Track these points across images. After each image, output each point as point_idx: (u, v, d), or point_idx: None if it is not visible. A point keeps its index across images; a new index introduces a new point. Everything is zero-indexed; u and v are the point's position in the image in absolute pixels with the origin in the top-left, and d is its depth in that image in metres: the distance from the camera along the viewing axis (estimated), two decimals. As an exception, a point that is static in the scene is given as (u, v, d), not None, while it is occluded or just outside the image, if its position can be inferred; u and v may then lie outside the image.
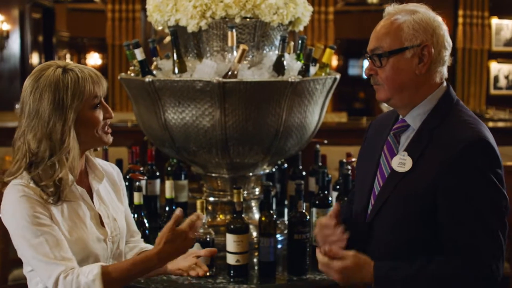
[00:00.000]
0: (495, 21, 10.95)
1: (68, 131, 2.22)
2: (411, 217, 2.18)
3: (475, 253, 2.08)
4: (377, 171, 2.35)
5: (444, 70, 2.28)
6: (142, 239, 2.71)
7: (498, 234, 2.09)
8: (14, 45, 10.75)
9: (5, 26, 10.57)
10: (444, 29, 2.25)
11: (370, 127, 2.59)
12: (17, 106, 7.87)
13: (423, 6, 2.27)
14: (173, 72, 3.41)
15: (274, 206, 3.96)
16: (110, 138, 2.38)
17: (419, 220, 2.17)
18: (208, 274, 3.02)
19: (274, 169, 4.14)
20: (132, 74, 3.57)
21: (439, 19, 2.25)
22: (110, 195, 2.51)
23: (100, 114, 2.32)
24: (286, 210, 4.17)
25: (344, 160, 3.74)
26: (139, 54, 3.43)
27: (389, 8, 2.30)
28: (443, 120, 2.21)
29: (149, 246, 2.65)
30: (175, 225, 2.26)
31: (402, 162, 2.23)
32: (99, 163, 2.53)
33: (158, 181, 4.04)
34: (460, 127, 2.17)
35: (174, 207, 3.25)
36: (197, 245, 3.05)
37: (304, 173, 4.17)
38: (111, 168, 2.59)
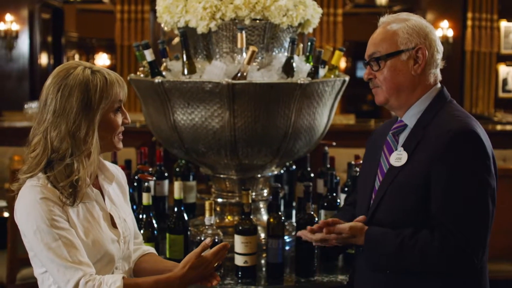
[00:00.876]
0: (504, 24, 10.93)
1: (92, 132, 2.23)
2: (408, 206, 2.34)
3: (457, 235, 2.22)
4: (377, 170, 2.51)
5: (438, 72, 2.48)
6: (143, 241, 2.70)
7: (480, 221, 2.24)
8: (23, 45, 10.79)
9: (15, 26, 10.61)
10: (436, 34, 2.45)
11: (372, 136, 2.74)
12: (26, 106, 7.90)
13: (415, 15, 2.47)
14: (183, 73, 3.42)
15: (282, 208, 3.96)
16: (121, 145, 2.40)
17: (415, 209, 2.33)
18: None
19: (282, 171, 4.15)
20: (142, 75, 3.58)
21: (430, 25, 2.46)
22: (118, 196, 2.52)
23: (120, 119, 2.34)
24: (294, 212, 4.17)
25: (353, 162, 3.73)
26: (149, 55, 3.44)
27: (383, 18, 2.52)
28: (434, 117, 2.39)
29: (151, 249, 2.65)
30: (201, 252, 2.30)
31: (398, 157, 2.41)
32: (107, 163, 2.53)
33: (166, 182, 4.05)
34: (449, 120, 2.34)
35: (182, 208, 3.25)
36: (205, 246, 3.05)
37: (312, 175, 4.17)
38: (116, 170, 2.59)
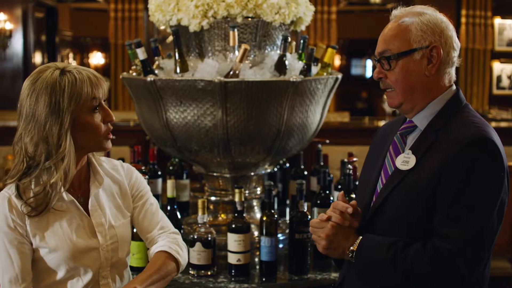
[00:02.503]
0: (498, 21, 10.94)
1: (64, 135, 2.18)
2: (411, 213, 2.17)
3: (454, 249, 2.06)
4: (381, 171, 2.36)
5: (453, 72, 2.29)
6: (173, 233, 2.53)
7: (482, 236, 2.08)
8: (17, 44, 10.76)
9: (8, 25, 10.58)
10: (452, 30, 2.24)
11: (378, 133, 2.59)
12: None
13: (430, 8, 2.27)
14: (175, 72, 3.41)
15: (275, 206, 3.96)
16: (109, 144, 2.33)
17: (418, 218, 2.16)
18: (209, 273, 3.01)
19: (275, 169, 4.14)
20: (134, 74, 3.57)
21: (446, 20, 2.25)
22: (116, 199, 2.44)
23: (99, 118, 2.26)
24: (287, 210, 4.17)
25: (346, 160, 3.73)
26: (141, 53, 3.43)
27: (396, 11, 2.30)
28: (448, 121, 2.21)
29: (164, 247, 2.47)
30: None
31: (405, 160, 2.24)
32: (106, 164, 2.46)
33: (160, 180, 4.04)
34: (465, 127, 2.16)
35: (175, 206, 3.25)
36: (198, 244, 3.06)
37: (305, 172, 4.17)
38: (120, 168, 2.51)
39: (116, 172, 2.47)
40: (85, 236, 2.30)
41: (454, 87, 2.29)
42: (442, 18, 2.24)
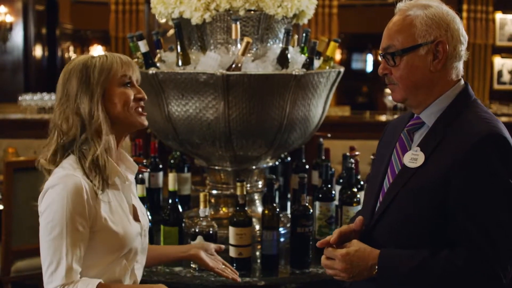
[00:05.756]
0: (499, 15, 10.92)
1: (96, 106, 2.23)
2: (421, 213, 2.11)
3: (485, 249, 2.01)
4: (387, 168, 2.30)
5: (460, 66, 2.23)
6: None
7: (508, 233, 2.02)
8: (17, 37, 10.74)
9: (9, 18, 10.56)
10: (459, 22, 2.19)
11: (386, 129, 2.53)
12: (20, 98, 7.87)
13: (435, 0, 2.22)
14: (177, 65, 3.41)
15: (277, 200, 3.96)
16: (144, 120, 2.36)
17: (429, 217, 2.10)
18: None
19: (277, 163, 4.14)
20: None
21: (452, 13, 2.19)
22: (135, 189, 2.53)
23: (130, 92, 2.31)
24: (289, 204, 4.17)
25: (348, 154, 3.73)
26: (143, 46, 3.42)
27: (401, 4, 2.24)
28: (458, 117, 2.16)
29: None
30: None
31: (414, 158, 2.18)
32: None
33: (161, 173, 4.04)
34: (475, 123, 2.11)
35: (177, 200, 3.25)
36: (199, 237, 3.05)
37: (307, 166, 4.16)
38: None
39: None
40: (133, 220, 2.38)
41: (462, 81, 2.24)
42: (448, 11, 2.18)
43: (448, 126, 2.15)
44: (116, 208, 2.29)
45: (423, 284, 2.09)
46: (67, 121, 2.23)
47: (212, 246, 2.79)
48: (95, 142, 2.22)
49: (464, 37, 2.20)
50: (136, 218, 2.40)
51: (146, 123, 2.38)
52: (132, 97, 2.31)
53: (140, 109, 2.34)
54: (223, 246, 2.84)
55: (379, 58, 2.27)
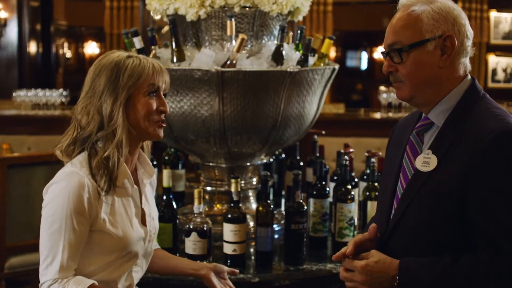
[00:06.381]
0: (494, 14, 10.93)
1: (117, 109, 2.23)
2: (439, 218, 2.04)
3: (508, 251, 1.93)
4: (399, 172, 2.22)
5: (467, 62, 2.18)
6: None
7: None
8: (11, 33, 10.71)
9: (3, 14, 10.53)
10: (465, 18, 2.13)
11: (395, 130, 2.45)
12: (14, 94, 7.85)
13: None
14: (172, 61, 3.40)
15: (271, 196, 3.96)
16: (161, 133, 2.36)
17: (447, 222, 2.03)
18: None
19: (271, 159, 4.14)
20: (130, 63, 3.56)
21: (458, 8, 2.13)
22: (150, 192, 2.53)
23: (154, 103, 2.30)
24: (283, 201, 4.17)
25: (342, 151, 3.74)
26: (138, 42, 3.42)
27: (403, 0, 2.17)
28: (468, 114, 2.08)
29: (157, 245, 2.72)
30: None
31: (426, 161, 2.10)
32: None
33: (155, 170, 4.03)
34: (487, 119, 2.03)
35: (171, 196, 3.25)
36: (194, 234, 3.05)
37: (301, 163, 4.17)
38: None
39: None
40: (139, 224, 2.38)
41: (469, 77, 2.17)
42: (454, 6, 2.12)
43: (459, 125, 2.08)
44: (119, 210, 2.29)
45: None
46: (88, 116, 2.25)
47: (226, 269, 2.69)
48: (109, 143, 2.23)
49: (470, 32, 2.14)
50: (143, 222, 2.41)
51: (162, 135, 2.38)
52: (154, 109, 2.31)
53: (160, 122, 2.35)
54: (237, 271, 2.75)
55: (382, 56, 2.21)
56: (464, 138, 2.04)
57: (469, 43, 2.13)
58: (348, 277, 2.14)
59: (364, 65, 15.66)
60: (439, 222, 2.05)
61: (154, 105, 2.31)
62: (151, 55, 3.49)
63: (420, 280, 2.02)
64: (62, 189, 2.18)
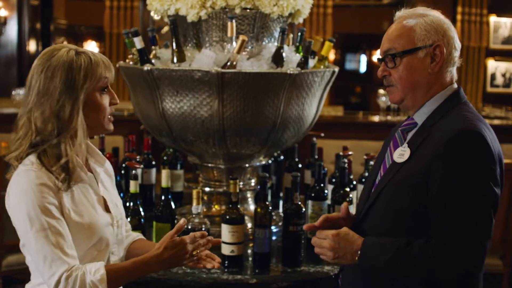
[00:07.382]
0: (493, 18, 10.95)
1: (77, 112, 2.21)
2: (405, 205, 2.23)
3: (455, 238, 2.11)
4: (381, 165, 2.43)
5: (454, 71, 2.37)
6: (130, 228, 2.70)
7: (480, 226, 2.13)
8: (11, 31, 10.71)
9: (3, 12, 10.52)
10: (454, 31, 2.33)
11: (390, 133, 2.60)
12: (13, 92, 7.85)
13: (432, 10, 2.37)
14: (172, 62, 3.41)
15: (269, 198, 3.96)
16: (111, 126, 2.38)
17: (411, 208, 2.22)
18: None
19: (270, 161, 4.15)
20: (131, 63, 3.57)
21: (449, 22, 2.34)
22: (107, 181, 2.51)
23: (107, 99, 2.32)
24: (281, 202, 4.18)
25: (341, 154, 3.74)
26: (138, 42, 3.42)
27: (399, 13, 2.40)
28: (444, 116, 2.28)
29: (140, 235, 2.68)
30: (177, 234, 2.32)
31: (402, 154, 2.31)
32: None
33: (154, 170, 4.04)
34: (457, 120, 2.23)
35: (169, 197, 3.25)
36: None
37: (300, 165, 4.18)
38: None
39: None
40: (103, 211, 2.37)
41: (455, 85, 2.37)
42: (444, 20, 2.33)
43: (434, 124, 2.28)
44: (80, 199, 2.27)
45: (399, 273, 2.22)
46: (46, 122, 2.20)
47: (197, 234, 2.47)
48: (67, 146, 2.22)
49: (458, 44, 2.34)
50: (107, 209, 2.40)
51: (112, 128, 2.39)
52: (107, 106, 2.33)
53: (110, 116, 2.36)
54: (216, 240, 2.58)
55: (378, 62, 2.40)
56: (435, 135, 2.24)
57: (456, 54, 2.34)
58: (318, 242, 2.35)
59: (363, 68, 15.66)
60: (405, 209, 2.24)
61: (107, 101, 2.33)
62: (151, 55, 3.49)
63: (377, 258, 2.23)
64: (23, 187, 2.16)
